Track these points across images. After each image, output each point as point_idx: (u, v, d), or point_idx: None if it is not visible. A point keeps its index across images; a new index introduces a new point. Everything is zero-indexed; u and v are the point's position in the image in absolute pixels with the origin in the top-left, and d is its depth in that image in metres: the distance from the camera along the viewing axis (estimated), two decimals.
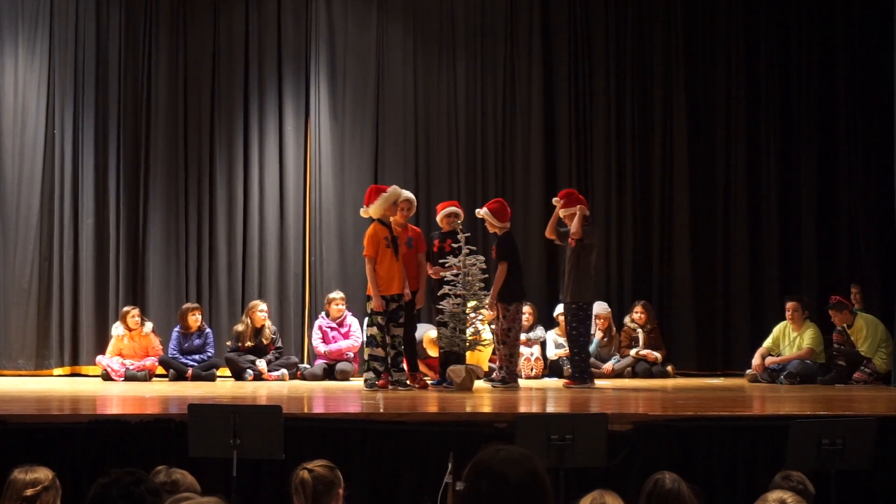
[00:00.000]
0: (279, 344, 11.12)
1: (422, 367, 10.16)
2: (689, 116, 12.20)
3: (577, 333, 9.76)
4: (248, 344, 10.92)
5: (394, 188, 9.56)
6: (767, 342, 10.99)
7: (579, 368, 9.79)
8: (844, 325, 10.62)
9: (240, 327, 11.01)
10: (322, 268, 11.81)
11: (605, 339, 11.53)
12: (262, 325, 10.99)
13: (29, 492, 4.15)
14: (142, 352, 10.87)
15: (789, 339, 10.90)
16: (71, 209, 11.62)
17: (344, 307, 11.06)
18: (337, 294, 11.11)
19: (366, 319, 9.56)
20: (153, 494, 3.29)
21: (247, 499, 6.14)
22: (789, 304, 10.92)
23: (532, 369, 11.10)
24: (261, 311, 11.01)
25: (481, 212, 9.86)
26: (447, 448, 5.98)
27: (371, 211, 9.42)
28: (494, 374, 9.89)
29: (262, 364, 10.80)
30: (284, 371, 10.93)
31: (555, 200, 10.03)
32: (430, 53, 12.18)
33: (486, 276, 9.64)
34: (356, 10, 12.07)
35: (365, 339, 9.62)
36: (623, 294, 12.04)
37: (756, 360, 10.88)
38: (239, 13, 11.92)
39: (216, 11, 11.92)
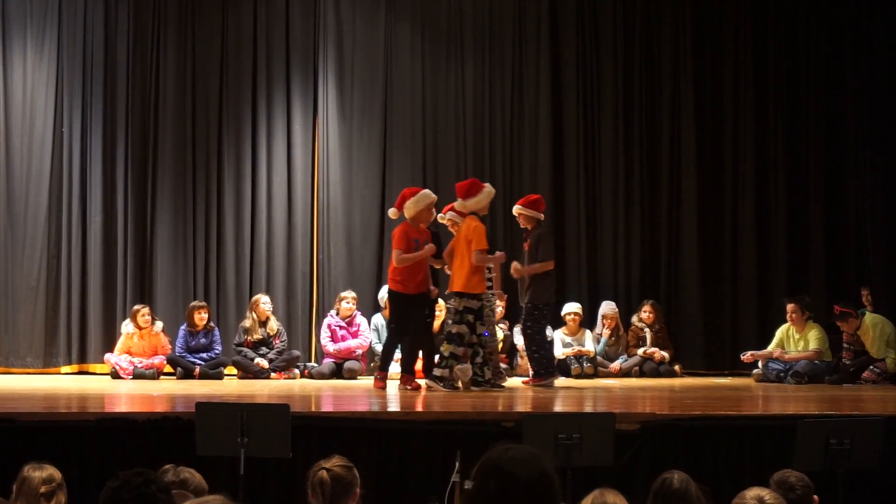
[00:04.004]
0: (284, 337, 11.15)
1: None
2: (697, 118, 12.19)
3: (533, 332, 9.64)
4: (256, 337, 10.96)
5: (428, 192, 9.46)
6: (772, 345, 10.97)
7: (541, 365, 9.68)
8: (855, 330, 10.61)
9: (246, 323, 11.04)
10: (330, 266, 11.82)
11: (613, 339, 11.54)
12: (267, 318, 11.03)
13: (45, 488, 4.17)
14: (151, 350, 10.89)
15: (794, 340, 10.88)
16: (79, 207, 11.64)
17: (354, 306, 11.06)
18: (348, 293, 11.12)
19: (450, 314, 9.25)
20: (164, 493, 3.28)
21: (254, 497, 6.14)
22: (789, 306, 10.89)
23: None
24: (263, 303, 11.06)
25: (449, 214, 9.77)
26: (454, 447, 5.98)
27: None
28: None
29: (262, 361, 10.83)
30: (296, 371, 11.00)
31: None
32: (438, 52, 12.18)
33: (493, 274, 9.61)
34: (364, 9, 12.08)
35: (448, 334, 9.16)
36: (631, 293, 12.03)
37: (751, 355, 10.91)
38: (247, 12, 11.93)
39: (224, 10, 11.93)
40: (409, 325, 9.26)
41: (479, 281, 9.12)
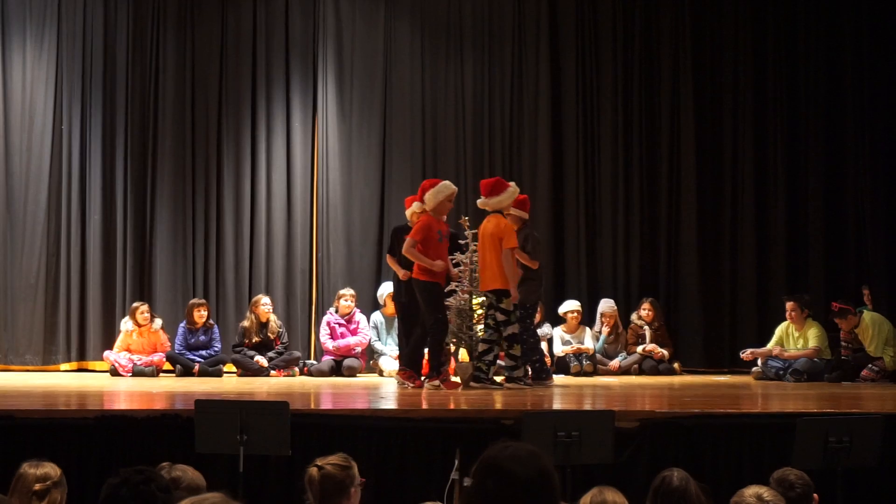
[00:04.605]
0: (285, 339, 11.14)
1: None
2: (696, 117, 12.18)
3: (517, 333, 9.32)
4: (255, 339, 10.96)
5: (447, 183, 9.24)
6: (771, 343, 10.98)
7: (523, 367, 9.36)
8: (853, 327, 10.62)
9: (245, 323, 11.06)
10: (329, 264, 11.83)
11: (612, 337, 11.54)
12: (267, 320, 11.03)
13: (38, 486, 4.16)
14: (150, 347, 10.90)
15: (793, 338, 10.89)
16: (78, 205, 11.66)
17: (353, 304, 11.07)
18: (347, 291, 11.13)
19: (493, 314, 8.99)
20: (164, 492, 3.27)
21: (254, 495, 6.14)
22: (788, 304, 10.90)
23: None
24: (264, 304, 11.05)
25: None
26: (453, 444, 5.98)
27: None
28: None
29: (261, 359, 10.84)
30: (295, 369, 11.02)
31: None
32: (438, 51, 12.18)
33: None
34: (364, 8, 12.08)
35: (511, 335, 8.93)
36: (630, 291, 12.03)
37: (751, 353, 10.91)
38: (247, 10, 11.93)
39: (224, 8, 11.95)
40: (441, 316, 8.98)
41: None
